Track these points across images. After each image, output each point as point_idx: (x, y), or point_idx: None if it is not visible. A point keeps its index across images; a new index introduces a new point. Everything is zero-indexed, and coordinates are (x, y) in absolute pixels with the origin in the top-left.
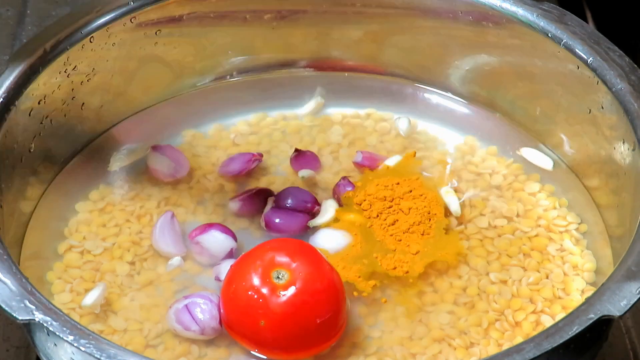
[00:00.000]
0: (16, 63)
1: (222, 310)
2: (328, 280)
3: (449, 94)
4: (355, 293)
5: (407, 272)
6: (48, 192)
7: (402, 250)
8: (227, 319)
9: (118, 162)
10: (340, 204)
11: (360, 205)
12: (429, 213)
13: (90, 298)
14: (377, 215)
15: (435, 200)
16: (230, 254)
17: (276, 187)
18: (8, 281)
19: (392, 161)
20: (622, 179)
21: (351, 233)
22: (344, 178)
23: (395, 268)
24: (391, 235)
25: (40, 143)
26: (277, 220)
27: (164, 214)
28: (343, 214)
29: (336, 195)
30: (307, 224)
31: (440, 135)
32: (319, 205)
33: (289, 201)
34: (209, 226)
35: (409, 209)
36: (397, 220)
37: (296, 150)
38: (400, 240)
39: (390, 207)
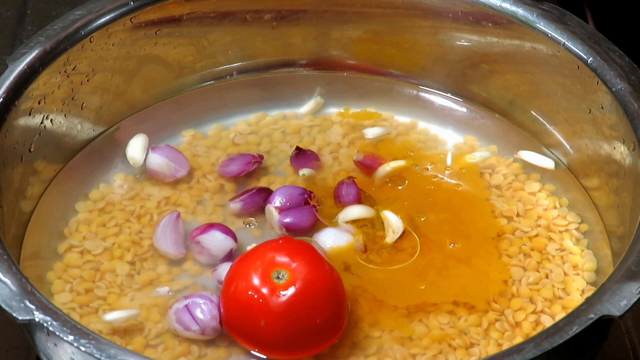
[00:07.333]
0: (16, 63)
1: (222, 310)
2: (328, 280)
3: (449, 94)
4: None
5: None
6: (48, 192)
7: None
8: (227, 319)
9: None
10: (341, 203)
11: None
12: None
13: (114, 316)
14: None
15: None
16: (230, 255)
17: (276, 187)
18: (8, 281)
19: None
20: (622, 179)
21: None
22: (345, 180)
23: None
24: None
25: (40, 143)
26: (287, 220)
27: (169, 213)
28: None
29: (337, 196)
30: (317, 213)
31: (440, 135)
32: (313, 194)
33: (282, 200)
34: (210, 226)
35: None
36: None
37: (297, 148)
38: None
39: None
